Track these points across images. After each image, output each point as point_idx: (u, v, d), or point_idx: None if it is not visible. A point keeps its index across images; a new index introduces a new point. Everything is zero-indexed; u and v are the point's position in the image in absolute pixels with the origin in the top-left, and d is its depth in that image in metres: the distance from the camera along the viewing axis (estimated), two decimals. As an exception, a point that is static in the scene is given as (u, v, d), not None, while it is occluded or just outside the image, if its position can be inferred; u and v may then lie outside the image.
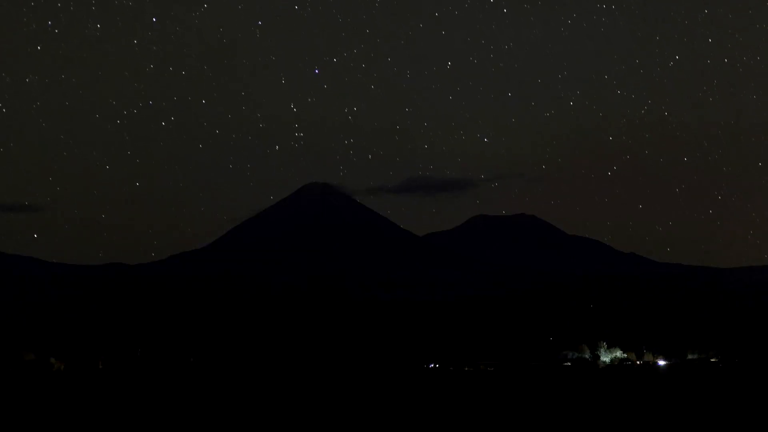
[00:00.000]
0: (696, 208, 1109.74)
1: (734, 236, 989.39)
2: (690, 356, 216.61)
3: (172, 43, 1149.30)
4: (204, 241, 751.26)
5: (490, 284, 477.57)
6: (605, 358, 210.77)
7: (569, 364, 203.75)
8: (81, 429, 50.01)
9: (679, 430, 47.48)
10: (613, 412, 58.41)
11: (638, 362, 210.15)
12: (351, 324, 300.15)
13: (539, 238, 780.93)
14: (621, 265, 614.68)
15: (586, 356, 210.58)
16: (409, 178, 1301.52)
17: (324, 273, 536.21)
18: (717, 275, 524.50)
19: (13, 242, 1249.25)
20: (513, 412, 59.33)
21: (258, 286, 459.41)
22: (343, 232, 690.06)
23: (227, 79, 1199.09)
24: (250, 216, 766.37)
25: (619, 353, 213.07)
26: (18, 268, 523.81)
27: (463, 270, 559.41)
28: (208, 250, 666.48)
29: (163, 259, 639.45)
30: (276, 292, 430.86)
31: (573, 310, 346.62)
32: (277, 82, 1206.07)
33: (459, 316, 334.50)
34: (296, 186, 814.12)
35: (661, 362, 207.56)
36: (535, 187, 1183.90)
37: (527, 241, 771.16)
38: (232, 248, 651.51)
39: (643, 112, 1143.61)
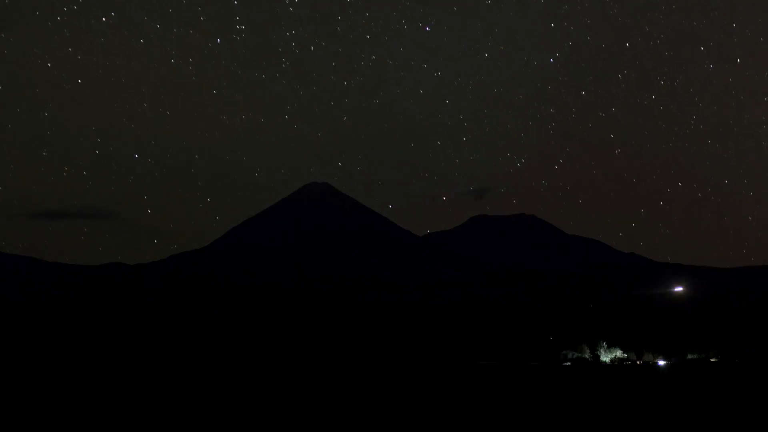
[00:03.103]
0: (696, 208, 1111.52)
1: (734, 236, 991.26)
2: (690, 356, 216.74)
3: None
4: (204, 241, 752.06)
5: (489, 284, 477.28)
6: (605, 357, 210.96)
7: (569, 364, 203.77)
8: (81, 429, 49.96)
9: (679, 430, 47.43)
10: (613, 412, 58.36)
11: (638, 362, 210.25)
12: (351, 324, 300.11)
13: (539, 238, 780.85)
14: (621, 265, 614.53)
15: (586, 356, 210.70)
16: (411, 180, 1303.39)
17: (323, 273, 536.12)
18: (717, 275, 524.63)
19: (11, 242, 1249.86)
20: (512, 412, 59.26)
21: (258, 286, 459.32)
22: (343, 232, 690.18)
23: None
24: (250, 216, 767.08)
25: (619, 353, 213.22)
26: (18, 268, 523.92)
27: (463, 270, 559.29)
28: (208, 250, 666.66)
29: (163, 259, 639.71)
30: (276, 293, 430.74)
31: (573, 310, 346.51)
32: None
33: (459, 316, 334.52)
34: (296, 186, 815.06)
35: (661, 362, 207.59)
36: (534, 187, 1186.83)
37: (527, 241, 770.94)
38: (232, 248, 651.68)
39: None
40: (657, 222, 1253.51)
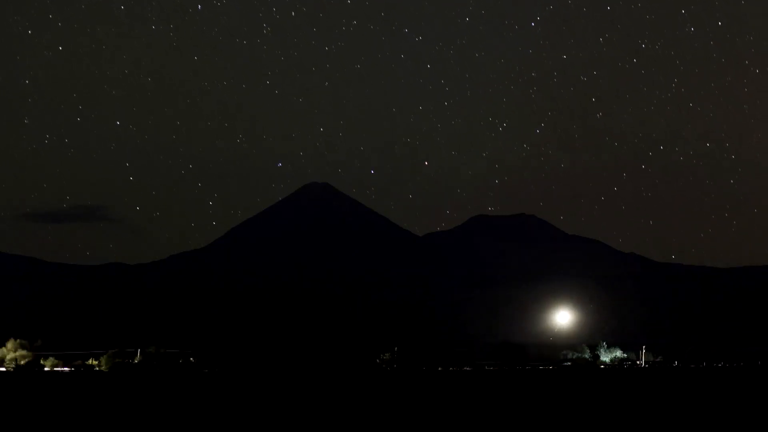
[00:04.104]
0: (696, 208, 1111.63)
1: (734, 236, 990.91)
2: (689, 356, 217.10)
3: None
4: (204, 241, 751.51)
5: (489, 285, 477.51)
6: (605, 357, 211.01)
7: (569, 364, 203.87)
8: (82, 429, 50.03)
9: (679, 429, 47.48)
10: (613, 412, 58.42)
11: (638, 362, 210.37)
12: (350, 324, 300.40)
13: (539, 238, 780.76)
14: (621, 265, 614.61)
15: (586, 356, 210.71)
16: (412, 180, 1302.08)
17: (324, 273, 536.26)
18: (717, 275, 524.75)
19: (11, 242, 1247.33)
20: (512, 412, 59.32)
21: (258, 286, 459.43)
22: (343, 232, 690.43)
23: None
24: (250, 216, 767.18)
25: (619, 353, 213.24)
26: (18, 268, 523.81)
27: (462, 270, 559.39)
28: (208, 250, 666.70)
29: (163, 259, 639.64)
30: (276, 293, 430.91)
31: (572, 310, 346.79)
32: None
33: (458, 315, 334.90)
34: (296, 186, 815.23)
35: (661, 362, 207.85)
36: (535, 187, 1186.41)
37: (527, 241, 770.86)
38: (232, 248, 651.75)
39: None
40: (638, 186, 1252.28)
